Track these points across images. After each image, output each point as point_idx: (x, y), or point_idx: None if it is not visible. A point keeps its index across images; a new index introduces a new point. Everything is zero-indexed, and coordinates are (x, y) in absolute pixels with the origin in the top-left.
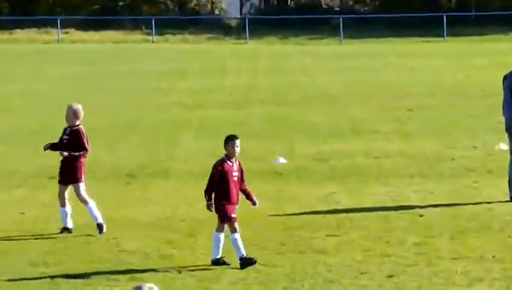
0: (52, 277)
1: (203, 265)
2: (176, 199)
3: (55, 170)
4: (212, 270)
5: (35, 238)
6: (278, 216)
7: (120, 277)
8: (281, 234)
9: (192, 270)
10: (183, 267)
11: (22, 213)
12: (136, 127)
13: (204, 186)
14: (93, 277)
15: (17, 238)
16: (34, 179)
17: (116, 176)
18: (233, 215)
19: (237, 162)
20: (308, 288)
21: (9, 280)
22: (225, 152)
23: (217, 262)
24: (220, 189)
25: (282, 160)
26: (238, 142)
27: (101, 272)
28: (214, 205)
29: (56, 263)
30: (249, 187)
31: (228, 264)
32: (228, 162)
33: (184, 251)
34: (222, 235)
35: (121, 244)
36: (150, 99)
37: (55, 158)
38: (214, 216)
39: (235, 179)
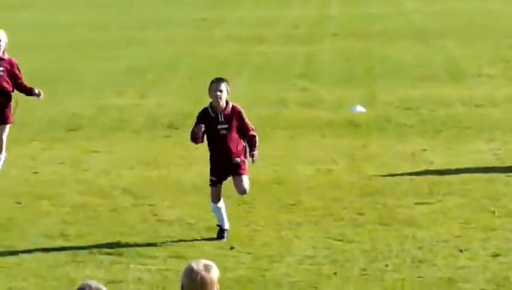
0: (73, 251)
1: (260, 239)
2: None
3: (75, 120)
4: (271, 246)
5: (51, 204)
6: (355, 179)
7: (157, 252)
8: (359, 201)
9: (247, 245)
10: (235, 241)
11: (34, 173)
12: (177, 66)
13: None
14: (123, 252)
15: (30, 204)
16: (49, 131)
17: (153, 127)
18: (213, 179)
19: (229, 112)
20: (393, 269)
21: (22, 254)
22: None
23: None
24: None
25: (360, 108)
26: (223, 85)
27: (134, 245)
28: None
29: (77, 235)
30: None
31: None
32: (210, 112)
33: (236, 221)
34: (219, 204)
35: (158, 212)
36: (194, 33)
37: (75, 106)
38: (275, 179)
39: (222, 133)
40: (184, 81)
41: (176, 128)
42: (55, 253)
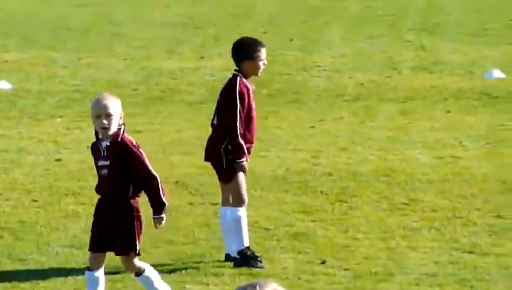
0: (108, 266)
1: (361, 251)
2: (314, 139)
3: (111, 89)
4: (377, 260)
5: (78, 203)
6: (491, 169)
7: (222, 268)
8: (496, 200)
9: (344, 259)
10: (328, 254)
11: (56, 160)
12: (249, 15)
13: None
14: (177, 267)
15: (50, 202)
16: (76, 105)
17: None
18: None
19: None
20: None
21: (39, 269)
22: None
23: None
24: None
25: (497, 73)
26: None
27: (191, 258)
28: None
29: None
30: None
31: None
32: (245, 81)
33: (330, 226)
34: (241, 212)
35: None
36: None
37: (111, 69)
38: (382, 170)
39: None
40: (258, 33)
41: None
42: (83, 268)
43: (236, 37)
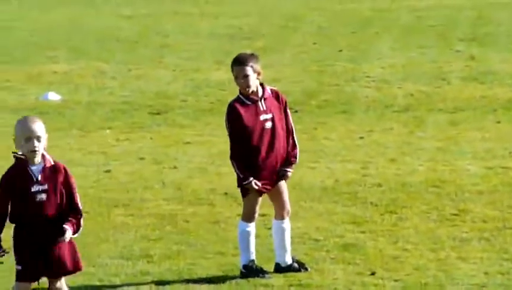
0: (159, 277)
1: (411, 262)
2: (363, 150)
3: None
4: (427, 271)
5: (128, 215)
6: None
7: (272, 279)
8: None
9: (394, 270)
10: (378, 264)
11: (106, 172)
12: (298, 26)
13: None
14: (227, 278)
15: (100, 213)
16: (125, 116)
17: None
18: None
19: (268, 95)
20: None
21: (90, 281)
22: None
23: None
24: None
25: None
26: (247, 69)
27: (236, 277)
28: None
29: (164, 256)
30: None
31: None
32: (246, 100)
33: (379, 237)
34: (250, 228)
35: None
36: None
37: (160, 81)
38: (432, 181)
39: (267, 127)
40: (307, 46)
41: (295, 111)
42: (135, 280)
43: (285, 49)
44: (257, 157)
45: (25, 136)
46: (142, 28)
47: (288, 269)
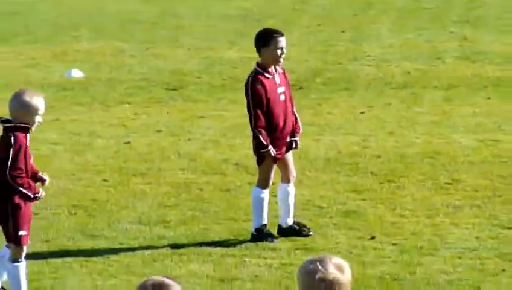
0: (175, 241)
1: (408, 227)
2: (364, 124)
3: (176, 77)
4: (423, 235)
5: (146, 183)
6: None
7: (279, 243)
8: None
9: (392, 234)
10: (377, 230)
11: (126, 143)
12: (305, 9)
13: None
14: (237, 242)
15: (120, 182)
16: (143, 92)
17: None
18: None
19: (280, 71)
20: None
21: (110, 245)
22: (260, 59)
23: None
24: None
25: None
26: (285, 41)
27: (246, 241)
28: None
29: (180, 222)
30: None
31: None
32: (266, 74)
33: (378, 205)
34: (264, 194)
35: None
36: None
37: (176, 59)
38: (427, 152)
39: (281, 99)
40: (312, 27)
41: (301, 88)
42: (152, 244)
43: (292, 30)
44: (276, 127)
45: (42, 112)
46: (159, 10)
47: (289, 229)
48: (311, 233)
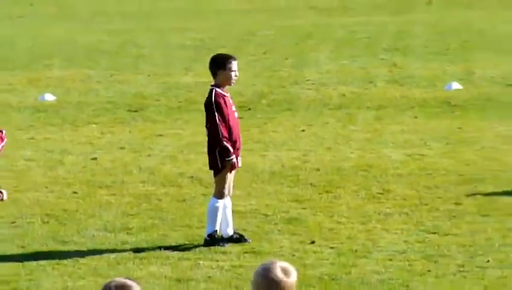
0: (136, 246)
1: (344, 232)
2: (304, 141)
3: (137, 100)
4: (357, 240)
5: (111, 194)
6: (451, 165)
7: (229, 247)
8: (456, 190)
9: (330, 239)
10: (317, 235)
11: (92, 159)
12: (251, 39)
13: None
14: (192, 247)
15: (87, 193)
16: (108, 113)
17: None
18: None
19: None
20: (494, 265)
21: (79, 249)
22: (215, 81)
23: (213, 238)
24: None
25: (456, 85)
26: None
27: (200, 246)
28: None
29: (140, 229)
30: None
31: (246, 241)
32: (224, 92)
33: (318, 212)
34: (219, 204)
35: (236, 202)
36: (272, 2)
37: (137, 84)
38: (361, 166)
39: (236, 116)
40: (258, 55)
41: (249, 109)
42: (116, 248)
43: (240, 57)
44: (235, 142)
45: None
46: (122, 41)
47: (230, 239)
48: (249, 241)
